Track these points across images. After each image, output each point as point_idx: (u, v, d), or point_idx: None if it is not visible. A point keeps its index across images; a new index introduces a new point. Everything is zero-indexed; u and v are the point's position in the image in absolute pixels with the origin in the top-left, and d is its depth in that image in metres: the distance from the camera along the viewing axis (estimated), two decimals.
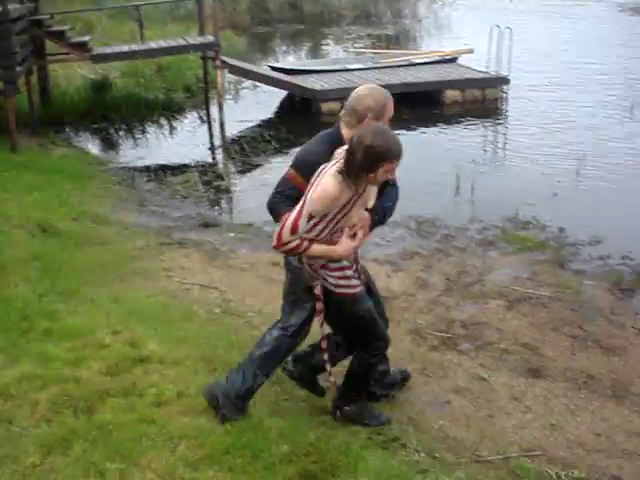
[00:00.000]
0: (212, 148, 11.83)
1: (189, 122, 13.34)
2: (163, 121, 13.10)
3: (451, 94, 13.68)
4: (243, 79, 14.97)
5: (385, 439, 3.91)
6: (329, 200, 3.38)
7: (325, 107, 13.09)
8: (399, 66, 15.30)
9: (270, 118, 13.29)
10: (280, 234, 3.46)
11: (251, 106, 14.28)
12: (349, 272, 3.75)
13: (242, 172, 10.06)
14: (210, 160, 11.16)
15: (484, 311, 5.74)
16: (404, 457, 3.74)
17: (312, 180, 3.48)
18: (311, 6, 28.92)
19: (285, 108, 13.98)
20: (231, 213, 8.58)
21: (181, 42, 13.02)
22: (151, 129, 12.74)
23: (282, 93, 14.28)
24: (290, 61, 17.94)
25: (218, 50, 12.68)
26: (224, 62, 12.91)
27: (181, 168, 10.18)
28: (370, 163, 3.34)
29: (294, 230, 3.42)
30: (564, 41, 20.74)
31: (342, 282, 3.72)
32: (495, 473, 3.73)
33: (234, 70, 13.45)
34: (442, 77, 14.03)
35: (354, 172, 3.35)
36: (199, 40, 13.08)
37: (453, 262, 6.75)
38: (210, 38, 12.88)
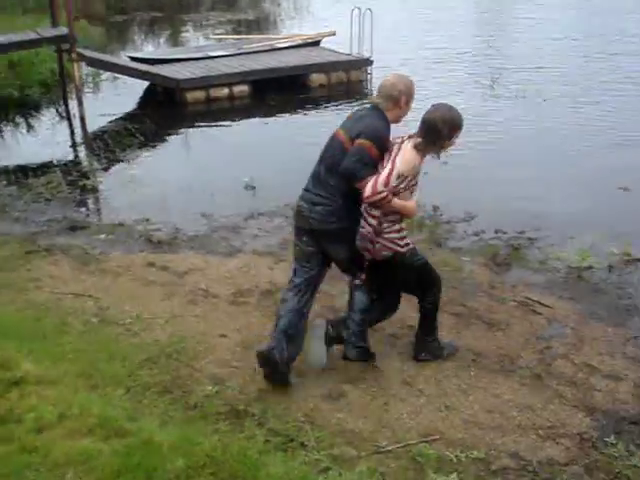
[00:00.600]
0: (74, 145, 11.28)
1: (47, 119, 12.65)
2: (19, 119, 12.39)
3: (316, 77, 13.66)
4: (102, 71, 14.37)
5: (283, 440, 3.82)
6: (412, 166, 4.37)
7: (190, 96, 12.77)
8: (263, 51, 15.12)
9: (133, 111, 12.81)
10: (375, 186, 4.25)
11: (112, 99, 13.71)
12: (405, 232, 4.62)
13: (108, 169, 9.64)
14: (73, 158, 10.63)
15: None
16: (304, 457, 3.65)
17: (391, 151, 4.44)
18: None
19: (148, 99, 13.52)
20: (100, 214, 8.18)
21: (33, 35, 12.30)
22: (6, 129, 12.01)
23: (144, 84, 13.82)
24: (150, 50, 17.34)
25: (73, 42, 12.06)
26: (80, 55, 12.30)
27: (42, 169, 9.62)
28: (451, 132, 4.45)
29: (386, 184, 4.27)
30: (425, 21, 21.15)
31: (405, 241, 4.59)
32: (396, 463, 3.71)
33: (92, 62, 12.85)
34: (306, 61, 13.97)
35: (439, 142, 4.44)
36: (52, 32, 12.40)
37: None
38: (64, 30, 12.25)
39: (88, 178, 9.06)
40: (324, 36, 16.38)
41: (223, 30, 21.70)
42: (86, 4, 25.70)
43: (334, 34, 16.30)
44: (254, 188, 8.38)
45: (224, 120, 11.87)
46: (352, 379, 4.57)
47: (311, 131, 10.76)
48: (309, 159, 8.46)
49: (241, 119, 11.89)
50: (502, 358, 4.86)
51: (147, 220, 7.60)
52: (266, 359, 4.43)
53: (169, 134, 11.24)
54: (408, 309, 5.44)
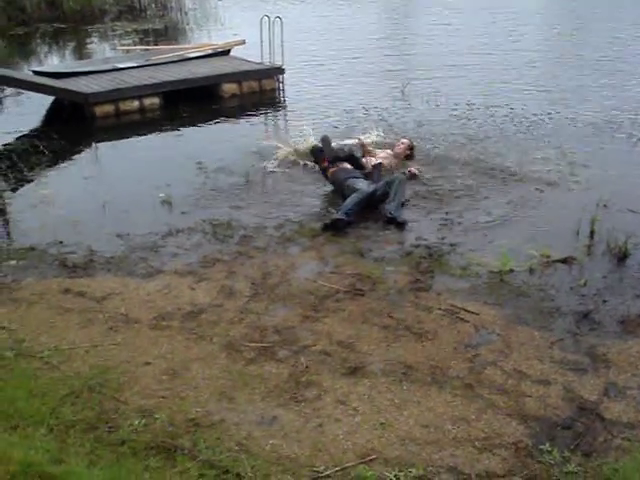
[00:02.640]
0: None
1: None
2: None
3: (228, 87, 13.48)
4: (4, 87, 13.81)
5: (218, 472, 3.68)
6: None
7: (99, 110, 12.38)
8: (173, 62, 14.85)
9: (40, 127, 12.34)
10: None
11: (16, 116, 13.19)
12: None
13: (16, 189, 9.22)
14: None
15: (294, 313, 5.63)
16: None
17: None
18: (71, 3, 27.38)
19: (54, 115, 13.06)
20: (9, 238, 7.81)
21: None
22: None
23: (49, 99, 13.35)
24: (55, 64, 16.78)
25: None
26: None
27: None
28: None
29: None
30: (336, 27, 21.24)
31: None
32: None
33: None
34: (218, 71, 13.77)
35: None
36: None
37: (256, 264, 6.57)
38: None
39: None
40: (234, 45, 16.22)
41: (130, 41, 21.24)
42: None
43: (244, 43, 16.16)
44: (170, 204, 8.16)
45: (136, 134, 11.56)
46: (284, 401, 4.46)
47: (224, 142, 10.65)
48: (225, 170, 8.28)
49: (153, 132, 11.59)
50: (433, 369, 4.84)
51: (60, 242, 7.29)
52: None
53: (79, 151, 10.87)
54: (334, 324, 5.39)
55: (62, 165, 10.15)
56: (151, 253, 6.94)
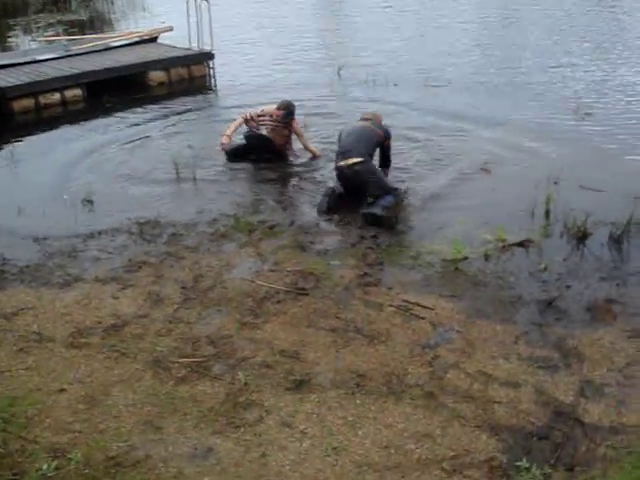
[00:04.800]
0: None
1: None
2: None
3: (155, 75, 12.70)
4: None
5: None
6: None
7: (18, 105, 11.48)
8: (96, 51, 13.97)
9: None
10: None
11: None
12: None
13: None
14: None
15: (231, 319, 5.02)
16: None
17: None
18: None
19: None
20: None
21: None
22: None
23: None
24: None
25: None
26: None
27: None
28: None
29: None
30: (269, 15, 20.57)
31: None
32: None
33: None
34: (143, 58, 12.96)
35: None
36: None
37: (187, 265, 5.93)
38: None
39: None
40: (161, 32, 15.38)
41: (54, 32, 20.20)
42: None
43: (171, 29, 15.37)
44: (92, 203, 7.43)
45: (56, 128, 10.71)
46: (220, 427, 3.85)
47: (153, 132, 9.93)
48: (151, 163, 7.51)
49: (75, 126, 10.77)
50: (389, 377, 4.29)
51: None
52: None
53: None
54: (276, 330, 4.81)
55: None
56: (70, 259, 6.23)
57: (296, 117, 8.50)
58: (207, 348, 4.66)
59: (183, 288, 5.53)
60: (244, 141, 8.52)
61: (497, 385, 4.21)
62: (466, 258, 5.90)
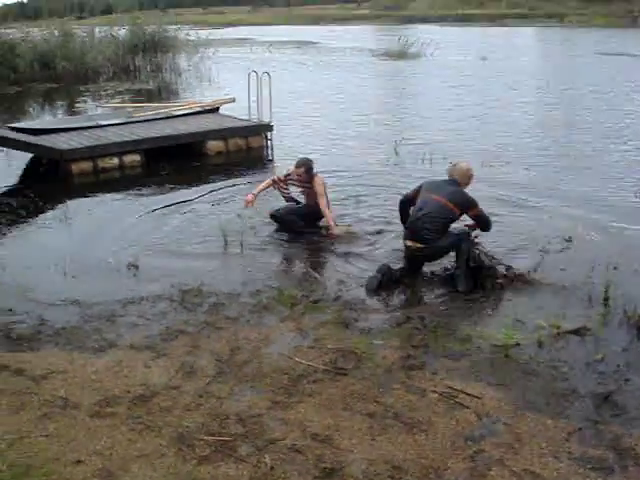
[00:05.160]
0: None
1: None
2: None
3: (213, 145, 12.83)
4: None
5: None
6: None
7: (76, 167, 11.70)
8: (157, 119, 14.26)
9: (15, 185, 11.62)
10: None
11: None
12: None
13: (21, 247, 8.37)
14: None
15: (263, 397, 4.76)
16: None
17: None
18: (64, 63, 27.09)
19: (31, 173, 12.37)
20: None
21: None
22: None
23: (28, 156, 12.70)
24: (35, 121, 16.14)
25: None
26: None
27: None
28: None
29: None
30: (323, 87, 20.87)
31: None
32: None
33: None
34: (202, 127, 13.15)
35: None
36: None
37: (225, 337, 5.72)
38: None
39: None
40: (223, 103, 15.70)
41: (120, 100, 20.79)
42: None
43: (234, 101, 15.67)
44: (137, 267, 7.34)
45: (112, 193, 10.81)
46: None
47: (205, 201, 9.92)
48: (198, 235, 7.44)
49: (130, 191, 10.85)
50: (426, 471, 3.95)
51: (9, 310, 6.48)
52: None
53: (50, 209, 10.09)
54: (309, 412, 4.53)
55: (27, 224, 9.37)
56: (107, 324, 6.10)
57: (317, 174, 8.34)
58: (235, 426, 4.40)
59: (218, 360, 5.31)
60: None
61: None
62: (518, 344, 5.56)
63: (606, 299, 6.31)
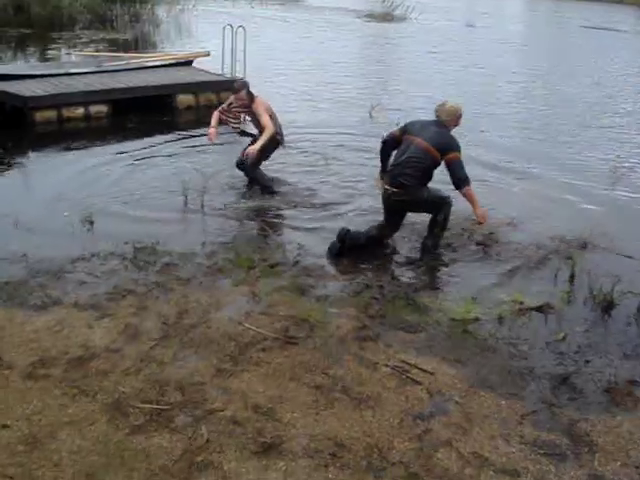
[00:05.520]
0: None
1: None
2: None
3: (183, 98, 12.43)
4: None
5: None
6: None
7: (40, 116, 11.26)
8: (128, 69, 13.79)
9: None
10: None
11: None
12: None
13: None
14: None
15: (207, 364, 4.54)
16: None
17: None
18: (38, 8, 26.30)
19: None
20: None
21: None
22: None
23: None
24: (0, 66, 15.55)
25: None
26: None
27: None
28: None
29: None
30: (303, 45, 20.44)
31: None
32: None
33: None
34: (173, 80, 12.73)
35: None
36: None
37: (174, 299, 5.48)
38: None
39: None
40: (197, 56, 15.20)
41: (94, 48, 20.17)
42: None
43: (208, 55, 15.18)
44: (92, 223, 7.04)
45: (75, 143, 10.43)
46: None
47: (169, 155, 9.60)
48: (159, 190, 7.06)
49: (95, 142, 10.48)
50: (370, 450, 3.77)
51: None
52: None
53: (9, 157, 9.69)
54: (254, 382, 4.32)
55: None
56: (53, 280, 5.82)
57: (259, 97, 8.01)
58: (174, 394, 4.19)
59: (164, 323, 5.08)
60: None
61: (492, 472, 3.67)
62: (477, 319, 5.40)
63: (572, 276, 6.15)
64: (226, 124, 8.26)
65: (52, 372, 4.40)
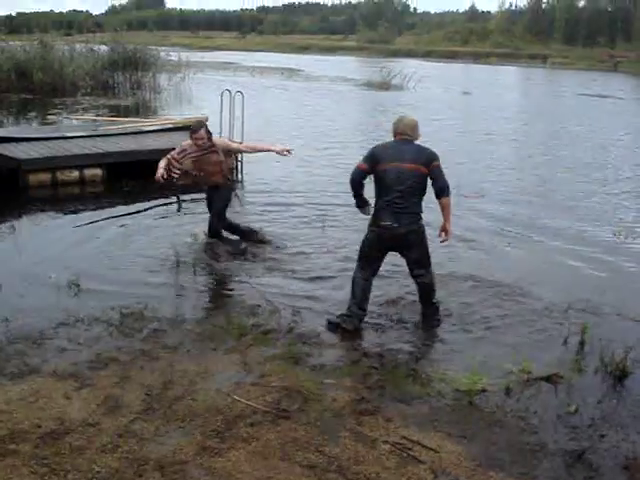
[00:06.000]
0: None
1: None
2: None
3: None
4: None
5: None
6: None
7: (33, 179, 11.10)
8: (124, 134, 13.71)
9: None
10: None
11: None
12: None
13: None
14: None
15: (191, 440, 4.18)
16: None
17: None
18: (40, 75, 26.59)
19: None
20: None
21: None
22: None
23: None
24: None
25: None
26: None
27: None
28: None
29: None
30: (302, 112, 20.47)
31: None
32: None
33: None
34: (168, 145, 12.53)
35: None
36: None
37: (159, 368, 5.13)
38: None
39: None
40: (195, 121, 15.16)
41: (94, 114, 20.20)
42: None
43: (206, 120, 15.09)
44: (78, 286, 6.74)
45: (68, 206, 10.23)
46: None
47: (165, 220, 9.36)
48: (151, 255, 6.75)
49: (88, 206, 10.25)
50: None
51: None
52: None
53: (6, 221, 9.46)
54: (242, 459, 3.95)
55: None
56: (33, 346, 5.50)
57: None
58: (153, 474, 3.82)
59: (147, 395, 4.72)
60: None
61: None
62: (483, 390, 5.04)
63: (582, 343, 5.82)
64: (168, 177, 7.77)
65: (21, 448, 4.04)
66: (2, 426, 4.28)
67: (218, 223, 7.84)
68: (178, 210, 9.28)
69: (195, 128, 7.63)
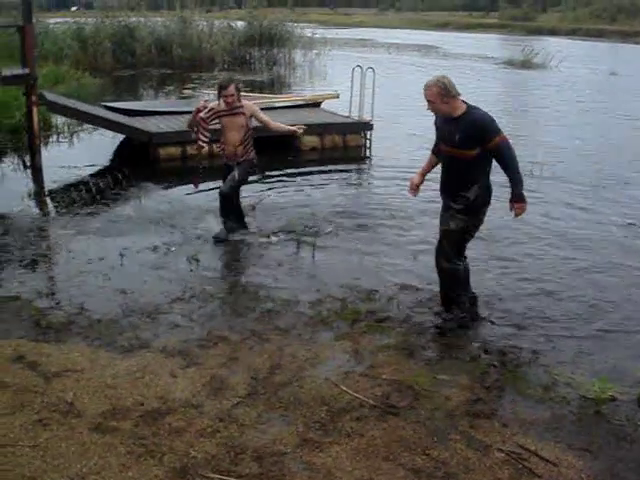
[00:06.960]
0: (40, 196, 9.58)
1: (11, 168, 11.17)
2: None
3: (308, 139, 12.10)
4: (80, 121, 13.00)
5: None
6: None
7: (164, 152, 11.30)
8: None
9: (101, 164, 11.31)
10: None
11: (83, 151, 12.37)
12: None
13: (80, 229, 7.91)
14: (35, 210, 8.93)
15: (292, 431, 4.00)
16: None
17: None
18: (180, 50, 27.40)
19: (123, 153, 12.09)
20: None
21: None
22: None
23: (121, 137, 12.45)
24: (129, 102, 15.83)
25: (33, 84, 10.69)
26: (42, 98, 10.92)
27: None
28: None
29: None
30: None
31: None
32: None
33: (54, 108, 11.45)
34: (298, 121, 12.42)
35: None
36: (10, 72, 10.98)
37: (268, 351, 4.99)
38: (25, 70, 10.85)
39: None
40: (325, 98, 15.05)
41: None
42: (94, 57, 25.12)
43: (337, 97, 14.97)
44: (198, 261, 6.74)
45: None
46: None
47: (288, 196, 9.28)
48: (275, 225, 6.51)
49: (215, 179, 10.29)
50: None
51: (51, 295, 6.00)
52: None
53: (141, 189, 9.66)
54: (343, 457, 3.73)
55: (103, 205, 8.93)
56: (147, 320, 5.50)
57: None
58: (250, 465, 3.66)
59: (253, 378, 4.59)
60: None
61: None
62: (613, 399, 4.58)
63: None
64: (195, 133, 7.49)
65: (122, 425, 3.99)
66: (106, 401, 4.25)
67: (231, 188, 7.42)
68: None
69: (224, 84, 7.18)
